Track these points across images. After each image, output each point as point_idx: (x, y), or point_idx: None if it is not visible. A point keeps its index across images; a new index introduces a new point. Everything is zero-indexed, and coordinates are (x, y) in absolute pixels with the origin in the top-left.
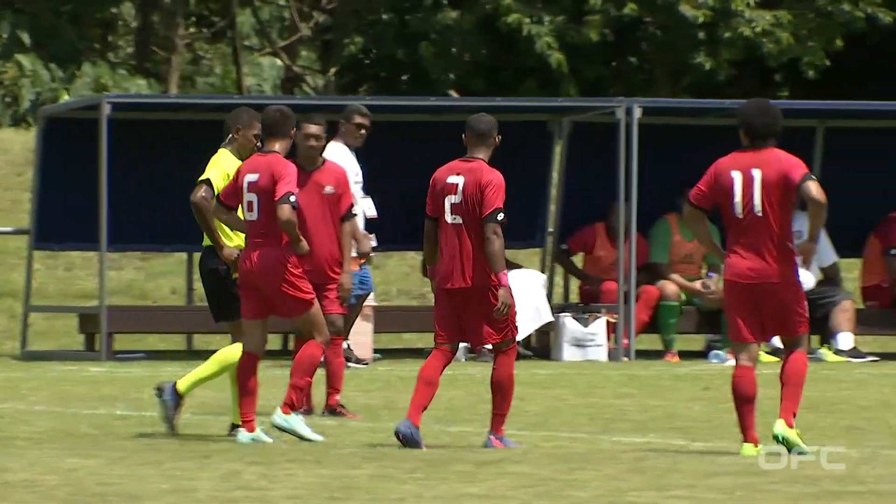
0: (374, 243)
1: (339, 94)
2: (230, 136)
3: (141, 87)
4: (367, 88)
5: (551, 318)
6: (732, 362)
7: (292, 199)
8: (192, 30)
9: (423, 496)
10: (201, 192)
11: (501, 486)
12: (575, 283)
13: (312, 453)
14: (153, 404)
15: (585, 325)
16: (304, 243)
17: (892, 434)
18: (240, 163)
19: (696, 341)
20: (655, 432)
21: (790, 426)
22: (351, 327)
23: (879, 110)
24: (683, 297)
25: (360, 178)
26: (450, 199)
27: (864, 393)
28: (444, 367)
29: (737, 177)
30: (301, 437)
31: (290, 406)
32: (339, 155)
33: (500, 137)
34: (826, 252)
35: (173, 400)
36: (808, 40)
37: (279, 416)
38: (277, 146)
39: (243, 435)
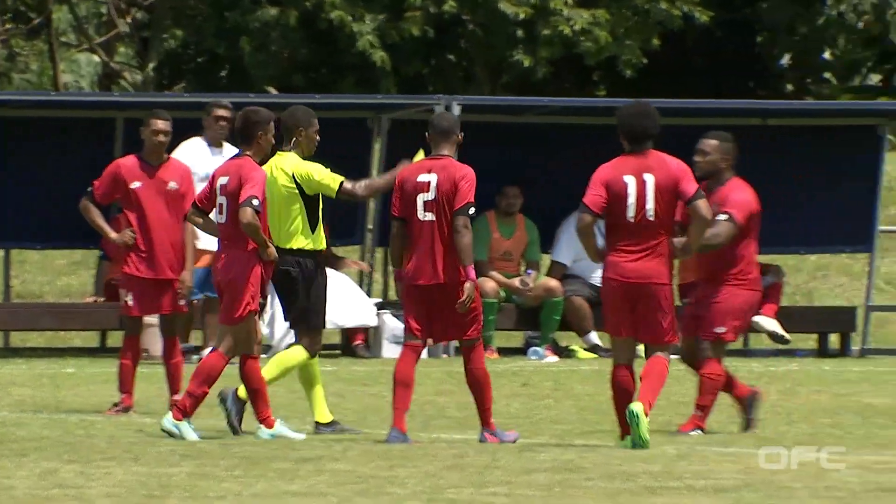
0: None
1: (156, 91)
2: (293, 138)
3: None
4: (186, 84)
5: (373, 322)
6: (551, 359)
7: (255, 202)
8: (8, 26)
9: (242, 494)
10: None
11: (321, 483)
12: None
13: (131, 451)
14: None
15: None
16: (272, 249)
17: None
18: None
19: (515, 338)
20: (474, 429)
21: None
22: (191, 327)
23: (694, 108)
24: (502, 293)
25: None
26: (422, 197)
27: (681, 388)
28: (416, 364)
29: (630, 181)
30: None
31: (182, 412)
32: (195, 151)
33: (462, 135)
34: None
35: (235, 406)
36: (626, 39)
37: (168, 421)
38: (249, 151)
39: (264, 432)
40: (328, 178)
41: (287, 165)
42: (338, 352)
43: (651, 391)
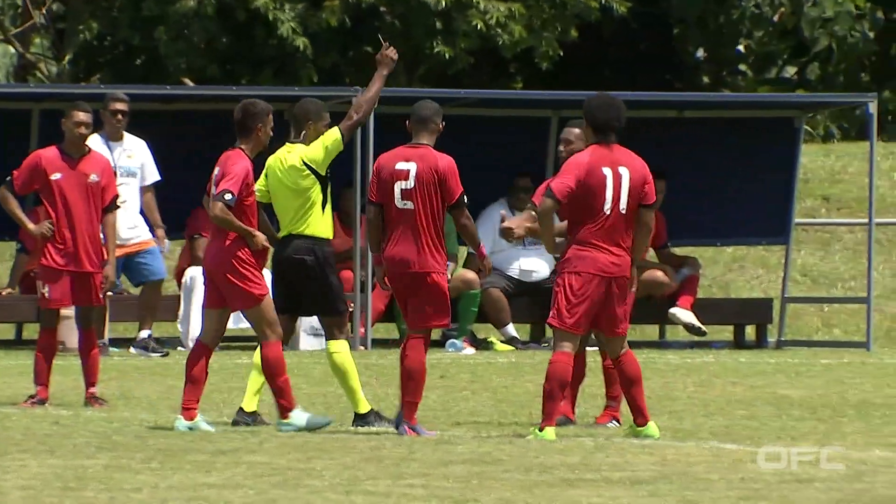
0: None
1: (72, 83)
2: (303, 131)
3: None
4: (101, 76)
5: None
6: (468, 351)
7: (227, 196)
8: None
9: (158, 486)
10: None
11: (238, 475)
12: None
13: (46, 443)
14: None
15: None
16: (259, 237)
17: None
18: None
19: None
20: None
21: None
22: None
23: None
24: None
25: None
26: (400, 185)
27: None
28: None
29: (608, 174)
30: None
31: (286, 410)
32: (92, 147)
33: (443, 124)
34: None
35: (252, 420)
36: (543, 31)
37: (282, 424)
38: (244, 143)
39: (181, 423)
40: (328, 137)
41: (295, 156)
42: (255, 344)
43: (641, 398)
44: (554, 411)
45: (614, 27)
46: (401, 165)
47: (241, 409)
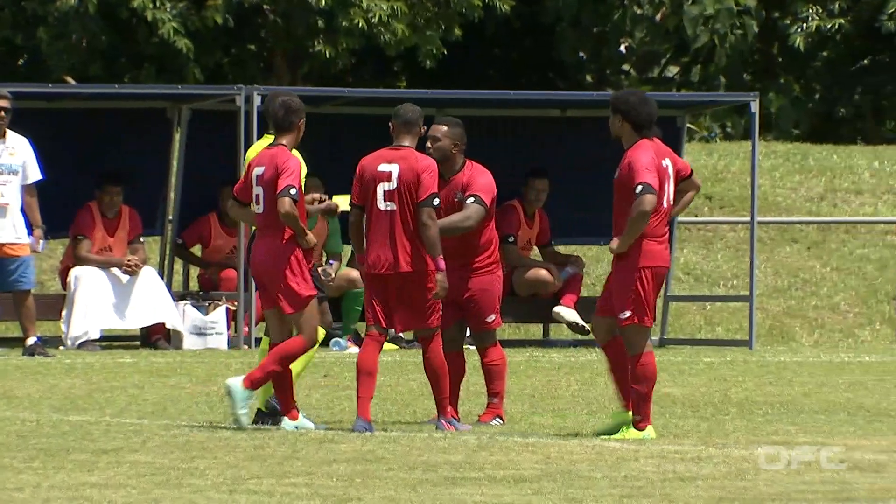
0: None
1: None
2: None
3: None
4: None
5: (173, 317)
6: (353, 350)
7: (293, 191)
8: None
9: (41, 486)
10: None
11: (120, 475)
12: (195, 271)
13: None
14: None
15: (206, 313)
16: (311, 236)
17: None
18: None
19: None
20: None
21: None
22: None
23: (495, 99)
24: None
25: None
26: (383, 187)
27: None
28: (379, 353)
29: (669, 166)
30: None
31: (252, 383)
32: None
33: (424, 128)
34: None
35: (272, 416)
36: (426, 30)
37: (287, 423)
38: (285, 139)
39: (287, 423)
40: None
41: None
42: (137, 343)
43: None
44: (650, 411)
45: (497, 26)
46: (383, 167)
47: (259, 410)
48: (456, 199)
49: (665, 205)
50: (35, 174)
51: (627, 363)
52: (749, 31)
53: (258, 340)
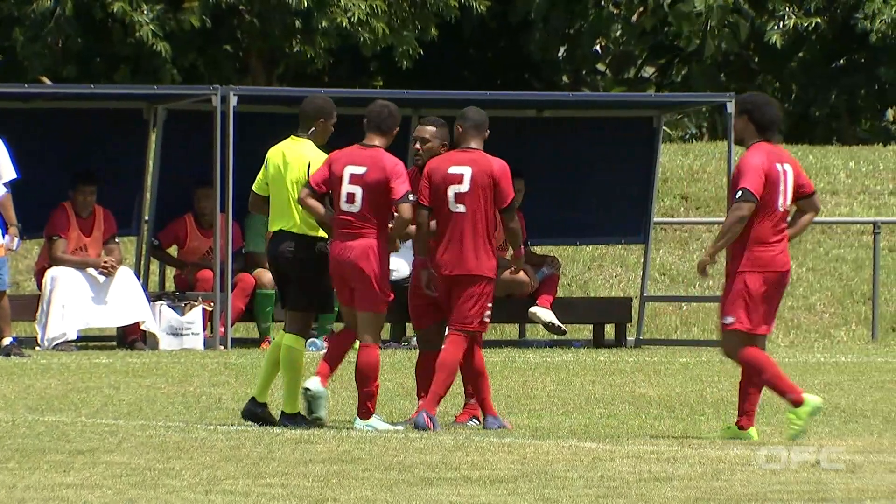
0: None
1: None
2: (311, 127)
3: None
4: None
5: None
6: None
7: (412, 197)
8: None
9: (16, 486)
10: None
11: (96, 475)
12: (171, 271)
13: None
14: None
15: (182, 314)
16: (398, 243)
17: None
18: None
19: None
20: (251, 420)
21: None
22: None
23: (471, 99)
24: None
25: None
26: (454, 189)
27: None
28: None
29: (781, 171)
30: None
31: (367, 413)
32: None
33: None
34: None
35: (262, 411)
36: (403, 29)
37: (359, 422)
38: (378, 141)
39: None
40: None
41: (304, 153)
42: (113, 343)
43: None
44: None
45: (473, 27)
46: (454, 169)
47: (252, 398)
48: None
49: (781, 209)
50: (9, 173)
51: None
52: (742, 29)
53: (234, 341)
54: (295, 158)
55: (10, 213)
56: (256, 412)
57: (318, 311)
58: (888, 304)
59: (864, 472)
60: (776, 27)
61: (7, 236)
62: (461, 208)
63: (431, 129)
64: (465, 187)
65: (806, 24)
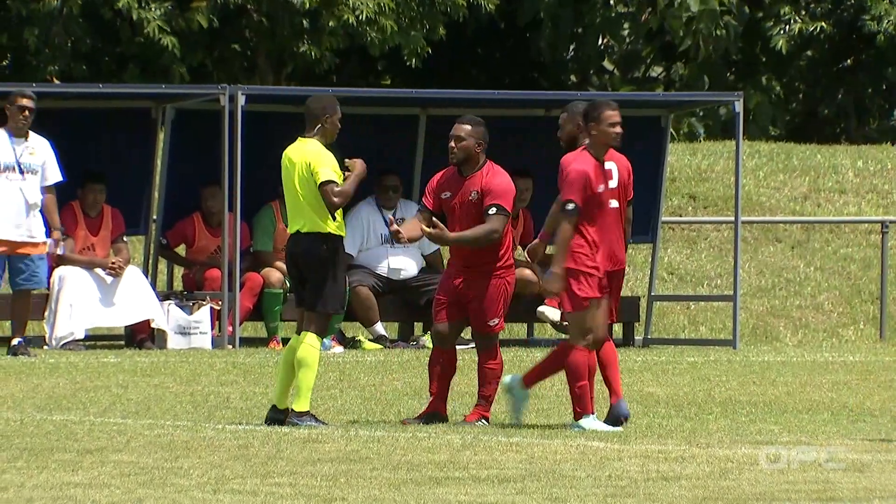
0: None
1: None
2: (318, 125)
3: None
4: None
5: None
6: (337, 349)
7: (570, 206)
8: None
9: (24, 485)
10: (335, 192)
11: (104, 474)
12: (179, 271)
13: None
14: None
15: (190, 313)
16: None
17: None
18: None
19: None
20: (259, 420)
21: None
22: None
23: (479, 98)
24: (288, 284)
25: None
26: (606, 185)
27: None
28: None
29: None
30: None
31: (580, 415)
32: None
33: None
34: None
35: (285, 417)
36: (411, 28)
37: (574, 425)
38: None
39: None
40: (321, 172)
41: (305, 151)
42: (121, 343)
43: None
44: None
45: (482, 26)
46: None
47: (273, 406)
48: (471, 198)
49: None
50: (55, 176)
51: None
52: (732, 31)
53: (242, 340)
54: (299, 159)
55: (55, 216)
56: (279, 419)
57: (332, 311)
58: None
59: (871, 471)
60: (781, 31)
61: (50, 240)
62: (614, 203)
63: (468, 127)
64: (614, 183)
65: (811, 29)
